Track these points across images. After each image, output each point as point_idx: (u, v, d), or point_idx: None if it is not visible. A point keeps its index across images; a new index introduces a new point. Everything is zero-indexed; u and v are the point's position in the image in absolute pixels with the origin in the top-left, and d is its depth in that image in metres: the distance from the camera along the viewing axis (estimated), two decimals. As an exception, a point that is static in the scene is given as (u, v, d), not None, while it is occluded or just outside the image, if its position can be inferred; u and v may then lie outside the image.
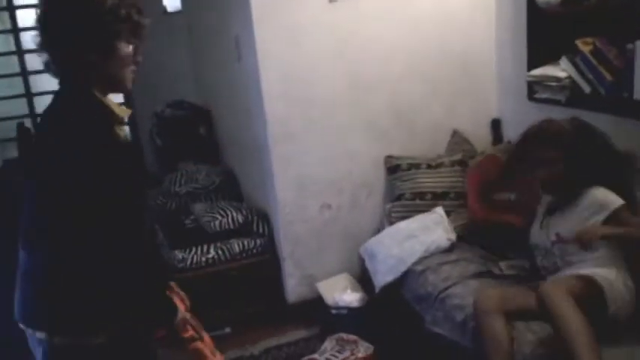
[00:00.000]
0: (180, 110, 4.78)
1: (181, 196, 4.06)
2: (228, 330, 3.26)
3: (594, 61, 2.69)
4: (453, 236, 3.03)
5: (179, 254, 3.37)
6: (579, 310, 2.05)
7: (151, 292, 1.60)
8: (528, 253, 2.62)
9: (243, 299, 3.38)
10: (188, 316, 1.76)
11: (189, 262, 3.35)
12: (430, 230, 3.04)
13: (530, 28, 3.06)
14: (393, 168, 3.36)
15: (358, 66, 3.24)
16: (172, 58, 4.94)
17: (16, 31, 4.90)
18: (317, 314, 3.25)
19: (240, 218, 3.56)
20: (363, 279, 3.30)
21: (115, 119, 1.59)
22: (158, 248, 1.94)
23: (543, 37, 3.00)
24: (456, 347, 2.52)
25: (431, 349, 2.73)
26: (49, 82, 1.66)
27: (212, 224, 3.54)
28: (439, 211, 3.16)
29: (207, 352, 1.77)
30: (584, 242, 2.23)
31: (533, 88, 3.10)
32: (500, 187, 2.92)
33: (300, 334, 3.25)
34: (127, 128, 5.07)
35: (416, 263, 2.93)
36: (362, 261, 3.28)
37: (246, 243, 3.47)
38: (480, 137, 3.53)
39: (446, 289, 2.67)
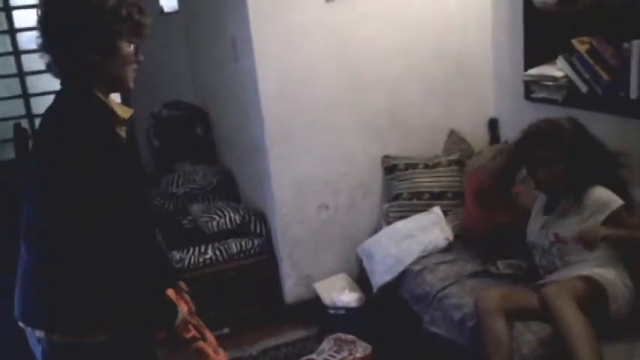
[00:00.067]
0: (177, 110, 4.77)
1: (179, 196, 4.06)
2: (226, 330, 3.26)
3: (591, 61, 2.70)
4: (451, 236, 3.03)
5: (177, 255, 3.36)
6: (582, 313, 2.06)
7: (150, 293, 1.60)
8: (525, 252, 2.62)
9: (241, 300, 3.38)
10: (189, 317, 1.76)
11: (186, 263, 3.35)
12: (427, 230, 3.04)
13: (526, 28, 3.07)
14: (391, 168, 3.36)
15: (355, 66, 3.24)
16: (169, 59, 4.93)
17: (12, 31, 4.89)
18: (315, 314, 3.25)
19: (238, 219, 3.56)
20: (360, 279, 3.31)
21: (116, 120, 1.59)
22: (160, 248, 1.94)
23: (540, 36, 3.00)
24: (454, 347, 2.53)
25: (429, 348, 2.73)
26: (46, 83, 1.66)
27: (209, 225, 3.54)
28: (436, 210, 3.16)
29: (209, 351, 1.77)
30: (585, 242, 2.23)
31: (530, 88, 3.11)
32: (496, 196, 2.90)
33: (298, 334, 3.25)
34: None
35: (413, 263, 2.93)
36: (359, 261, 3.29)
37: (243, 243, 3.47)
38: (477, 137, 3.53)
39: (443, 288, 2.67)
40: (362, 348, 2.85)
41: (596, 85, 2.70)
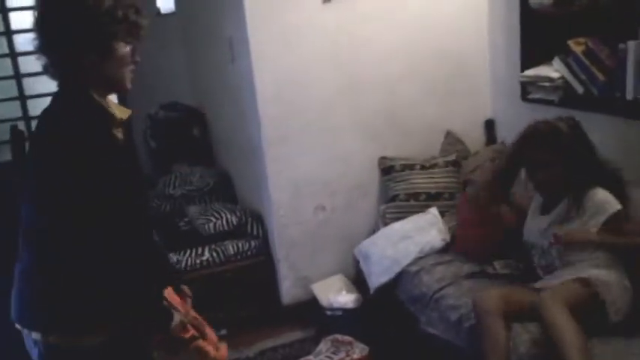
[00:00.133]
0: (174, 112, 4.76)
1: (175, 198, 4.05)
2: (223, 332, 3.23)
3: (587, 62, 2.70)
4: (448, 236, 3.04)
5: (173, 257, 3.36)
6: (574, 320, 2.08)
7: (147, 294, 1.60)
8: (522, 252, 2.63)
9: (238, 301, 3.37)
10: (187, 318, 1.75)
11: (183, 265, 3.34)
12: (424, 231, 3.04)
13: (523, 29, 3.07)
14: (387, 169, 3.36)
15: (352, 67, 3.25)
16: (166, 60, 4.92)
17: (9, 33, 4.88)
18: (312, 316, 3.25)
19: (235, 220, 3.56)
20: (357, 280, 3.31)
21: (112, 121, 1.59)
22: (158, 249, 1.93)
23: (536, 37, 3.01)
24: (451, 347, 2.53)
25: (426, 349, 2.74)
26: (42, 85, 1.66)
27: (206, 226, 3.53)
28: (433, 211, 3.17)
29: (208, 348, 1.77)
30: (571, 244, 2.26)
31: (526, 89, 3.11)
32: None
33: (296, 335, 3.24)
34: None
35: (410, 264, 2.93)
36: (356, 262, 3.29)
37: (240, 245, 3.47)
38: (474, 138, 3.54)
39: (440, 289, 2.68)
40: (359, 349, 2.85)
41: (592, 86, 2.71)
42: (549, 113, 2.82)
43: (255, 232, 3.54)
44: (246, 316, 3.33)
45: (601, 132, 2.48)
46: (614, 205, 2.27)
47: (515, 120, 3.28)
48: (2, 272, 1.93)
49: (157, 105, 4.80)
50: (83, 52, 1.51)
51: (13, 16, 4.90)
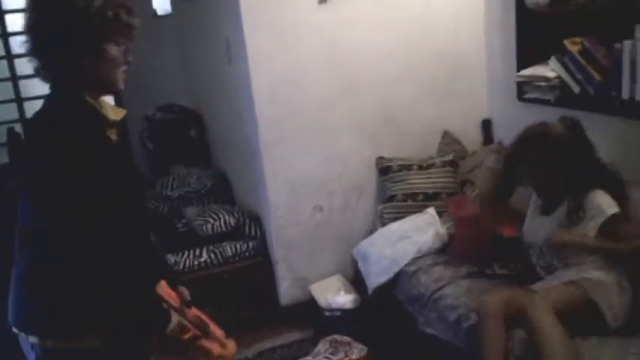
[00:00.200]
0: (171, 113, 4.76)
1: (173, 199, 4.05)
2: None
3: (583, 61, 2.71)
4: (445, 236, 3.04)
5: (171, 258, 3.36)
6: (561, 324, 2.09)
7: (144, 295, 1.59)
8: (520, 252, 2.63)
9: (236, 302, 3.37)
10: (187, 317, 1.73)
11: (181, 266, 3.34)
12: (422, 231, 3.05)
13: (519, 29, 3.08)
14: (385, 169, 3.37)
15: (348, 68, 3.25)
16: (163, 62, 4.93)
17: (5, 35, 4.87)
18: (310, 316, 3.25)
19: (233, 221, 3.56)
20: (356, 280, 3.31)
21: (106, 122, 1.58)
22: (155, 250, 1.92)
23: (532, 37, 3.02)
24: (450, 348, 2.53)
25: (424, 350, 2.74)
26: (39, 87, 1.65)
27: (204, 228, 3.53)
28: (431, 211, 3.17)
29: (211, 346, 1.75)
30: (565, 246, 2.29)
31: (522, 89, 3.12)
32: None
33: (294, 336, 3.24)
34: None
35: (408, 264, 2.94)
36: (355, 263, 3.29)
37: (238, 246, 3.47)
38: (471, 138, 3.55)
39: (438, 289, 2.68)
40: (357, 349, 2.85)
41: (589, 86, 2.71)
42: (546, 113, 2.83)
43: (253, 233, 3.54)
44: (244, 317, 3.32)
45: (597, 131, 2.48)
46: (611, 207, 2.26)
47: (512, 120, 3.29)
48: (0, 275, 1.93)
49: (153, 106, 4.80)
50: (74, 54, 1.50)
51: (9, 18, 4.90)
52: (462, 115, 3.53)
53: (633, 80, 2.49)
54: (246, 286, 3.41)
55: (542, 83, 2.92)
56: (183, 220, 3.82)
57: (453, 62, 3.45)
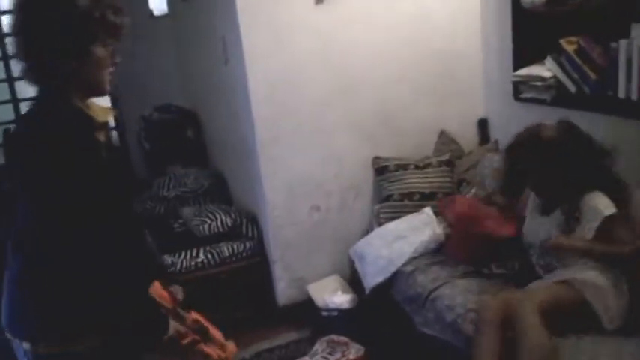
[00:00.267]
0: (168, 114, 4.75)
1: (170, 200, 4.05)
2: (219, 334, 3.25)
3: (579, 61, 2.72)
4: (442, 236, 3.04)
5: (168, 258, 3.36)
6: (544, 325, 2.09)
7: (139, 297, 1.58)
8: (517, 251, 2.63)
9: (233, 303, 3.37)
10: (181, 327, 1.72)
11: (178, 267, 3.34)
12: (419, 230, 3.05)
13: (515, 29, 3.08)
14: (381, 169, 3.37)
15: (345, 68, 3.25)
16: (159, 62, 4.92)
17: (1, 36, 4.86)
18: (307, 316, 3.25)
19: (229, 221, 3.56)
20: (353, 280, 3.31)
21: (95, 124, 1.56)
22: (149, 251, 1.91)
23: (528, 37, 3.02)
24: (448, 348, 2.53)
25: (422, 349, 2.74)
26: (35, 88, 1.63)
27: (201, 228, 3.53)
28: (427, 211, 3.17)
29: (210, 350, 1.75)
30: (559, 249, 2.31)
31: (519, 88, 3.12)
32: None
33: (291, 336, 3.25)
34: (114, 133, 5.05)
35: (405, 264, 2.94)
36: (352, 262, 3.29)
37: (235, 246, 3.47)
38: (467, 137, 3.55)
39: (435, 289, 2.68)
40: (355, 349, 2.85)
41: (585, 85, 2.72)
42: (542, 112, 2.84)
43: (250, 234, 3.54)
44: (241, 318, 3.32)
45: (593, 130, 2.48)
46: (608, 209, 2.26)
47: (508, 119, 3.30)
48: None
49: (150, 107, 4.79)
50: (61, 56, 1.47)
51: (5, 19, 4.89)
52: (458, 115, 3.53)
53: (629, 79, 2.49)
54: (243, 287, 3.41)
55: (539, 83, 2.93)
56: (180, 221, 3.82)
57: (450, 62, 3.45)
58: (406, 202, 3.27)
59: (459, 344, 2.45)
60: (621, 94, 2.54)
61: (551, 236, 2.38)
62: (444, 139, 3.50)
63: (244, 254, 3.47)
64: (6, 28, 4.90)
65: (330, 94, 3.25)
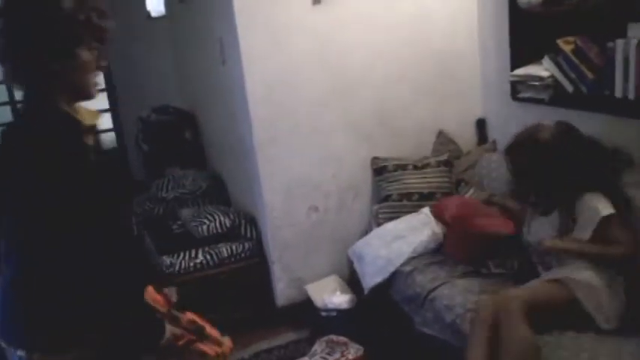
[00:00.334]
0: (166, 115, 4.76)
1: (168, 201, 4.05)
2: (217, 334, 3.25)
3: (576, 60, 2.72)
4: (441, 236, 3.04)
5: (167, 260, 3.36)
6: (523, 325, 2.12)
7: (133, 304, 1.56)
8: (516, 250, 2.63)
9: (232, 303, 3.37)
10: (177, 329, 1.72)
11: (177, 268, 3.34)
12: (417, 230, 3.05)
13: (512, 29, 3.09)
14: (380, 169, 3.37)
15: (343, 68, 3.25)
16: (157, 63, 4.93)
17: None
18: (306, 317, 3.25)
19: (228, 222, 3.56)
20: (351, 281, 3.31)
21: (82, 128, 1.54)
22: (143, 253, 1.88)
23: (525, 37, 3.02)
24: (447, 347, 2.53)
25: (421, 349, 2.74)
26: (21, 93, 1.61)
27: (200, 229, 3.53)
28: (426, 211, 3.17)
29: (207, 349, 1.76)
30: (553, 251, 2.34)
31: (516, 88, 3.13)
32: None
33: (290, 337, 3.25)
34: (110, 135, 5.04)
35: (404, 264, 2.94)
36: (350, 263, 3.29)
37: (234, 247, 3.47)
38: (466, 137, 3.55)
39: (434, 289, 2.68)
40: (354, 349, 2.85)
41: (582, 84, 2.72)
42: (540, 112, 2.85)
43: (248, 234, 3.54)
44: (240, 318, 3.32)
45: (591, 130, 2.49)
46: (604, 210, 2.25)
47: (506, 119, 3.31)
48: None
49: (147, 108, 4.80)
50: (45, 59, 1.44)
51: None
52: (456, 115, 3.53)
53: (626, 79, 2.50)
54: (242, 287, 3.42)
55: (536, 82, 2.93)
56: (179, 222, 3.82)
57: (448, 62, 3.45)
58: (405, 202, 3.27)
59: (458, 344, 2.45)
60: (618, 93, 2.54)
61: (547, 237, 2.39)
62: (443, 139, 3.50)
63: (243, 255, 3.47)
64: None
65: (328, 95, 3.26)
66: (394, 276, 2.94)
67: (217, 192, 4.17)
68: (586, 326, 2.19)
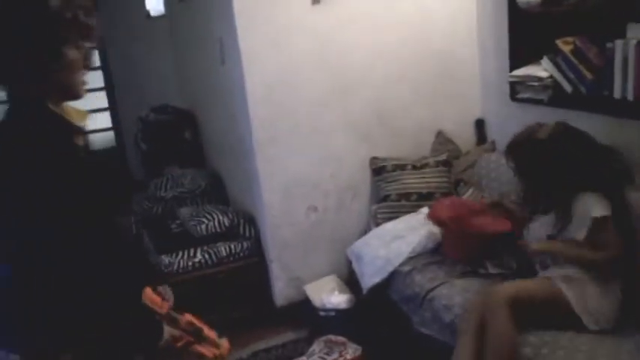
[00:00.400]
0: (165, 114, 4.76)
1: (167, 200, 4.05)
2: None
3: (575, 61, 2.72)
4: (439, 236, 3.04)
5: (166, 259, 3.36)
6: (509, 317, 2.15)
7: (129, 307, 1.54)
8: (514, 250, 2.63)
9: (231, 303, 3.37)
10: (176, 330, 1.72)
11: (175, 267, 3.34)
12: (416, 231, 3.05)
13: (511, 29, 3.09)
14: (379, 169, 3.37)
15: (342, 68, 3.25)
16: (156, 63, 4.93)
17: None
18: (305, 316, 3.25)
19: (227, 222, 3.56)
20: (350, 280, 3.31)
21: (72, 129, 1.52)
22: (138, 254, 1.86)
23: (525, 37, 3.03)
24: (445, 348, 2.53)
25: (419, 349, 2.74)
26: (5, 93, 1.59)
27: (198, 228, 3.53)
28: (425, 211, 3.17)
29: (205, 350, 1.75)
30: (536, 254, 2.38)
31: (515, 88, 3.13)
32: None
33: (289, 336, 3.25)
34: (104, 135, 5.02)
35: (402, 264, 2.93)
36: (349, 263, 3.29)
37: (232, 246, 3.47)
38: (465, 137, 3.56)
39: (432, 289, 2.68)
40: (352, 349, 2.85)
41: (581, 85, 2.72)
42: (539, 112, 2.85)
43: (247, 234, 3.54)
44: (239, 318, 3.32)
45: (589, 130, 2.48)
46: (597, 210, 2.25)
47: (505, 119, 3.31)
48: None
49: (147, 107, 4.80)
50: (31, 58, 1.42)
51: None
52: (455, 115, 3.54)
53: (625, 79, 2.50)
54: (240, 287, 3.42)
55: (535, 83, 2.93)
56: (178, 221, 3.82)
57: (447, 63, 3.45)
58: (403, 202, 3.28)
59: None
60: (617, 94, 2.54)
61: (543, 236, 2.40)
62: (441, 139, 3.50)
63: (242, 254, 3.48)
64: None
65: (328, 95, 3.26)
66: (393, 276, 2.94)
67: (216, 191, 4.17)
68: (581, 326, 2.20)
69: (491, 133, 3.51)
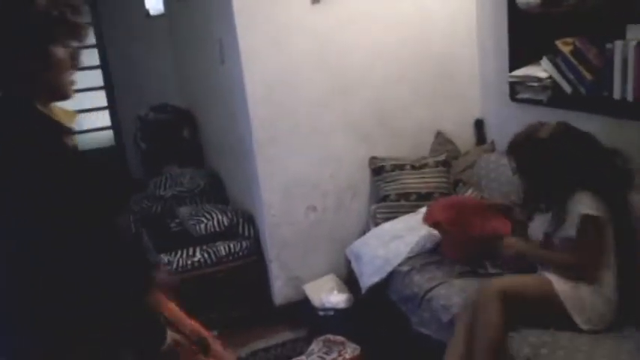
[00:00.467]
0: (164, 114, 4.76)
1: (166, 199, 4.05)
2: (215, 333, 3.23)
3: (574, 61, 2.72)
4: (438, 236, 3.04)
5: (165, 258, 3.35)
6: (500, 316, 2.17)
7: (128, 310, 1.52)
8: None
9: (230, 302, 3.38)
10: (178, 337, 1.70)
11: (175, 266, 3.34)
12: (415, 231, 3.05)
13: (511, 30, 3.09)
14: (378, 169, 3.37)
15: (342, 68, 3.25)
16: (155, 62, 4.93)
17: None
18: (304, 316, 3.25)
19: (226, 221, 3.56)
20: (349, 280, 3.31)
21: (62, 129, 1.50)
22: (139, 255, 1.85)
23: (524, 38, 3.03)
24: (443, 347, 2.53)
25: (418, 349, 2.74)
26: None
27: (197, 227, 3.53)
28: (424, 211, 3.17)
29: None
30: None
31: (515, 89, 3.13)
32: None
33: (287, 336, 3.25)
34: (104, 134, 5.00)
35: (401, 264, 2.94)
36: (348, 262, 3.29)
37: (232, 246, 3.47)
38: (464, 138, 3.56)
39: (431, 289, 2.68)
40: (351, 349, 2.86)
41: (580, 86, 2.73)
42: (538, 113, 2.85)
43: (246, 233, 3.54)
44: (238, 317, 3.33)
45: (589, 131, 2.49)
46: (586, 209, 2.24)
47: (504, 120, 3.31)
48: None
49: (146, 106, 4.80)
50: (18, 58, 1.40)
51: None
52: (454, 116, 3.54)
53: (624, 80, 2.50)
54: (239, 286, 3.42)
55: (535, 83, 2.93)
56: (177, 220, 3.82)
57: (446, 63, 3.46)
58: (402, 202, 3.28)
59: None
60: (617, 95, 2.54)
61: (540, 235, 2.42)
62: (441, 139, 3.51)
63: (241, 254, 3.48)
64: None
65: (327, 95, 3.26)
66: (391, 276, 2.95)
67: (215, 190, 4.17)
68: (573, 325, 2.20)
69: (491, 133, 3.52)
